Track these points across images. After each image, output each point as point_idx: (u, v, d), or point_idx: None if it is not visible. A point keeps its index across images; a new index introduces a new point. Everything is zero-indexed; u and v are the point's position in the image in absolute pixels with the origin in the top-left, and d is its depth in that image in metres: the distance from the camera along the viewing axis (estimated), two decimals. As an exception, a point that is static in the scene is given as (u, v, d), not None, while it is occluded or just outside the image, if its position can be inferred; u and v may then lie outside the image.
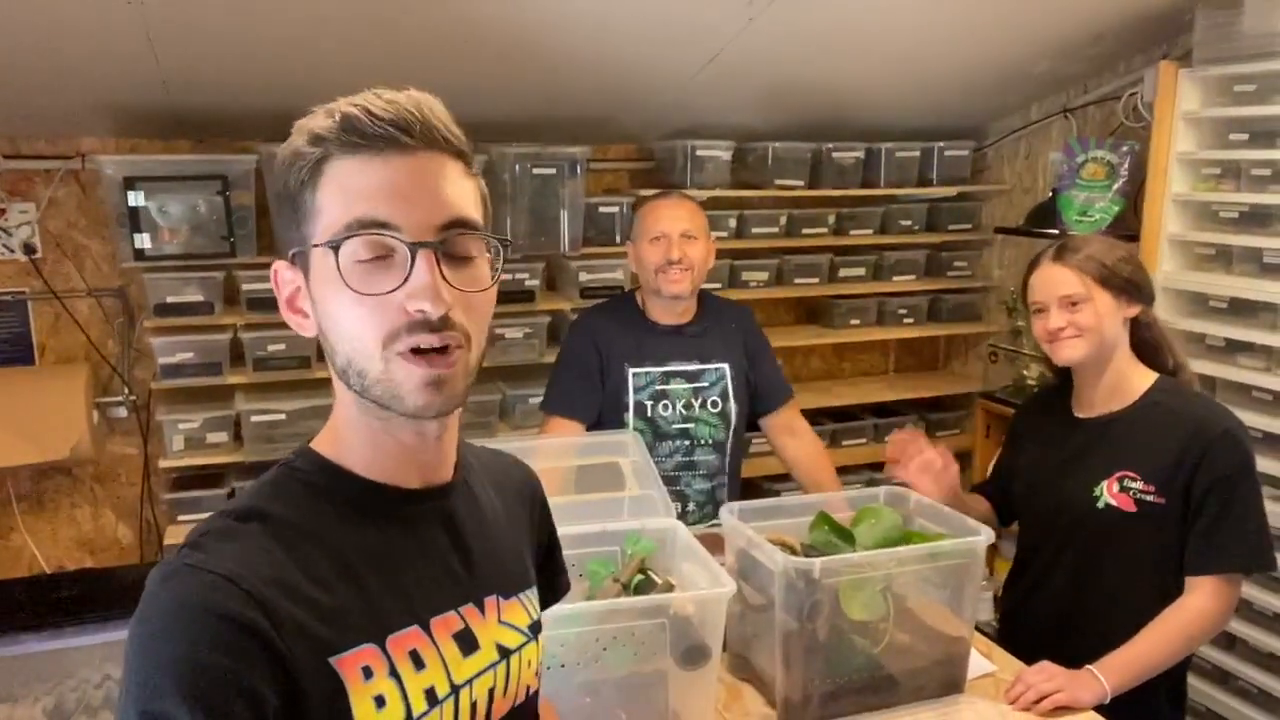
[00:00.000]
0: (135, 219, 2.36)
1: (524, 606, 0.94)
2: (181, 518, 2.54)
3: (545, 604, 1.02)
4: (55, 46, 2.00)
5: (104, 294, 2.61)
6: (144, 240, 2.37)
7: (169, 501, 2.56)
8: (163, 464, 2.50)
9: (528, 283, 2.77)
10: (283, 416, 2.50)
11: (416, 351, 0.76)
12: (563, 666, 1.28)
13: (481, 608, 0.87)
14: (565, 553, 1.43)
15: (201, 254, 2.43)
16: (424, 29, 2.10)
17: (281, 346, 2.52)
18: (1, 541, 2.65)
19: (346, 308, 0.76)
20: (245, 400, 2.54)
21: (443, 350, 0.77)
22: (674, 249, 2.00)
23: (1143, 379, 1.69)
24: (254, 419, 2.50)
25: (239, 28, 2.00)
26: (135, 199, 2.35)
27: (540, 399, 2.20)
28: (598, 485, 1.77)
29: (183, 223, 2.41)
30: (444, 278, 0.76)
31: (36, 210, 2.51)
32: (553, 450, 1.91)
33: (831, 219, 3.14)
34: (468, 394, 0.81)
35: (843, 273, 3.19)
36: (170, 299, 2.46)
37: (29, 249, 2.52)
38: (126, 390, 2.65)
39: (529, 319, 2.76)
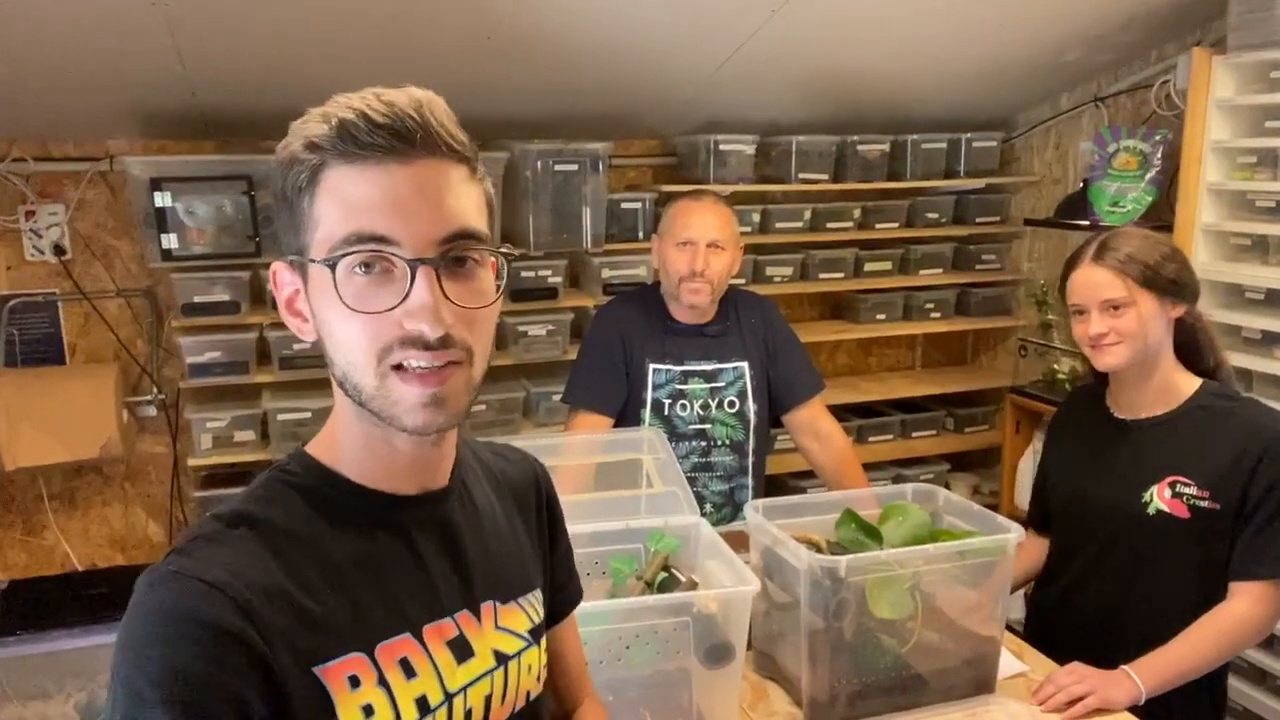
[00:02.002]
0: (162, 219, 2.38)
1: (524, 611, 0.91)
2: (210, 515, 2.56)
3: (550, 616, 0.99)
4: (82, 50, 2.02)
5: (132, 294, 2.64)
6: (171, 240, 2.39)
7: (198, 499, 2.58)
8: (191, 462, 2.52)
9: (550, 279, 2.76)
10: (309, 415, 2.51)
11: (412, 369, 0.74)
12: (585, 665, 1.27)
13: (478, 614, 0.86)
14: (588, 550, 1.43)
15: (227, 254, 2.45)
16: (445, 26, 2.10)
17: (307, 345, 2.50)
18: (34, 539, 2.69)
19: (342, 322, 0.74)
20: (272, 399, 2.55)
21: (440, 368, 0.74)
22: (698, 259, 1.97)
23: (1189, 382, 1.64)
24: (280, 417, 2.51)
25: (262, 28, 2.01)
26: (162, 200, 2.37)
27: (562, 395, 2.18)
28: (620, 483, 1.76)
29: (209, 223, 2.43)
30: (445, 294, 0.74)
31: (66, 212, 2.54)
32: (576, 447, 1.90)
33: (857, 213, 3.10)
34: (469, 408, 0.79)
35: (868, 267, 3.16)
36: (198, 299, 2.48)
37: (59, 250, 2.55)
38: (155, 389, 2.68)
39: (552, 316, 2.75)
